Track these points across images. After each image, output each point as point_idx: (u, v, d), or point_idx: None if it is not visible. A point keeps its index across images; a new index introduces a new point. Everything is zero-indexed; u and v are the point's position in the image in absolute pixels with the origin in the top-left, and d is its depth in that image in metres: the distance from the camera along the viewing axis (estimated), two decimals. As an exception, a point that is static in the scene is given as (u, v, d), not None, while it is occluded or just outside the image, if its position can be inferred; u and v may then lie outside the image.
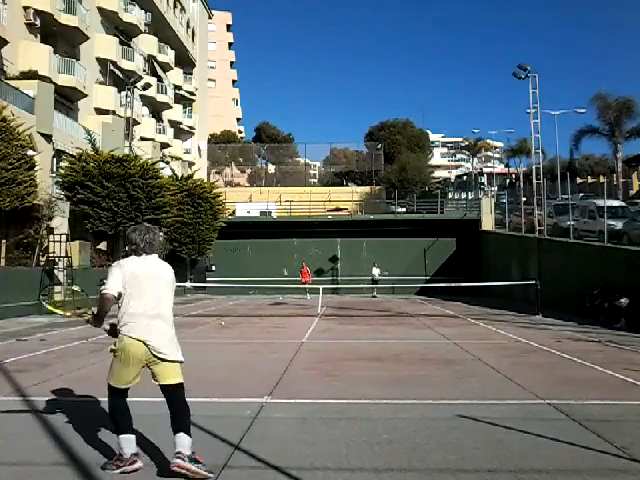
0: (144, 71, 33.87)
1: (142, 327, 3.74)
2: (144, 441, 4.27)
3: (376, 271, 29.85)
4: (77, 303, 5.03)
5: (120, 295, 3.79)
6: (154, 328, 3.76)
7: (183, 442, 3.65)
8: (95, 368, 7.74)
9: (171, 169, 31.21)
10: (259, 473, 3.75)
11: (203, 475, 3.57)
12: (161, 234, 26.40)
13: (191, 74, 44.05)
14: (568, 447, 4.24)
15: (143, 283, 3.85)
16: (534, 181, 25.05)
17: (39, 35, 25.11)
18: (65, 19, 25.89)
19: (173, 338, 3.87)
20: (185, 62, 43.02)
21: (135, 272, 3.87)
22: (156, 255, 4.09)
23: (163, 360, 3.74)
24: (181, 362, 3.84)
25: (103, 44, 30.05)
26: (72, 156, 21.27)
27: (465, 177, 73.40)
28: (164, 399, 3.82)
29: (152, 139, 34.60)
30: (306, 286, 27.08)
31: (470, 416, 5.09)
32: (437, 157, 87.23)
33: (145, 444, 4.21)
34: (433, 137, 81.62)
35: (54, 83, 23.19)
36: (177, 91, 41.23)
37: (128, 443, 3.71)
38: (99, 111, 28.89)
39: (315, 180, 67.38)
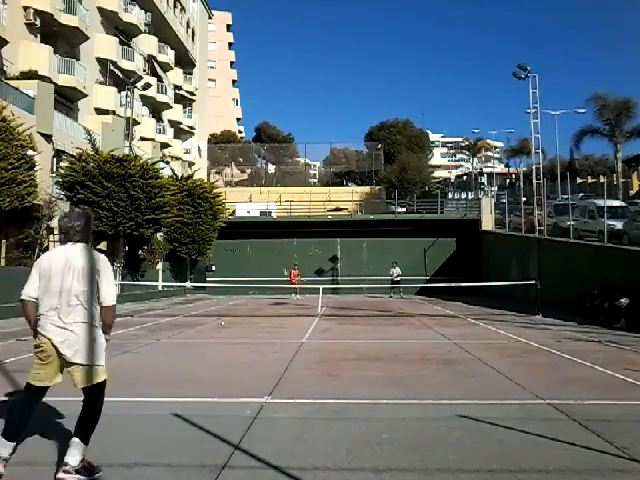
0: (144, 71, 33.87)
1: (50, 325, 3.57)
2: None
3: (395, 271, 28.77)
4: None
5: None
6: (60, 327, 3.56)
7: (73, 449, 3.56)
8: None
9: (171, 169, 31.21)
10: (259, 473, 3.75)
11: None
12: (161, 234, 26.41)
13: (191, 74, 44.06)
14: (568, 447, 4.24)
15: (52, 275, 3.61)
16: (534, 181, 25.03)
17: (39, 35, 25.11)
18: (65, 19, 25.91)
19: (87, 340, 3.57)
20: (185, 62, 43.02)
21: (48, 265, 3.66)
22: (84, 244, 3.75)
23: (71, 363, 3.59)
24: (89, 365, 3.59)
25: (103, 44, 30.07)
26: (72, 156, 21.27)
27: (465, 177, 73.43)
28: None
29: (152, 139, 34.61)
30: (295, 286, 27.66)
31: (470, 416, 5.09)
32: (437, 157, 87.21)
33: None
34: (433, 137, 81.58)
35: (54, 83, 23.21)
36: (177, 91, 41.25)
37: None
38: (99, 111, 28.90)
39: (315, 180, 67.36)
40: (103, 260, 3.74)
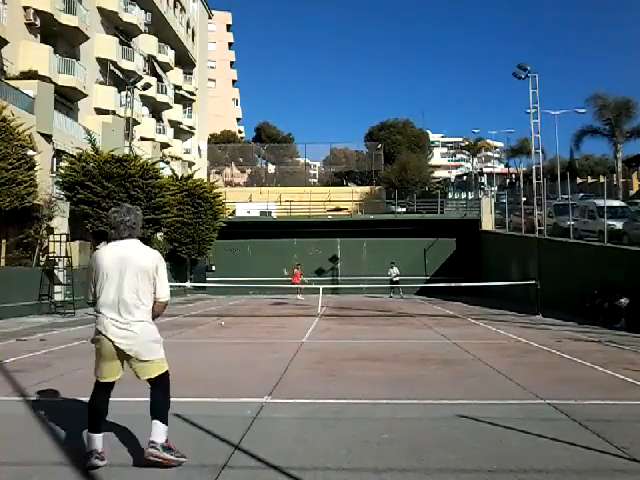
0: (144, 71, 33.87)
1: (108, 323, 3.67)
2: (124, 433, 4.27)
3: (394, 271, 28.82)
4: None
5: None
6: (119, 323, 3.66)
7: (157, 430, 3.69)
8: (95, 368, 7.74)
9: (171, 169, 31.21)
10: (259, 473, 3.75)
11: (176, 461, 3.69)
12: (161, 234, 26.41)
13: (191, 74, 44.06)
14: (568, 447, 4.24)
15: (108, 272, 3.69)
16: (534, 181, 25.04)
17: (39, 35, 25.10)
18: (65, 19, 25.89)
19: (146, 337, 3.71)
20: (185, 62, 43.03)
21: (102, 262, 3.74)
22: (135, 240, 3.84)
23: (134, 359, 3.72)
24: (151, 361, 3.74)
25: (103, 44, 30.06)
26: (72, 156, 21.26)
27: (465, 177, 73.42)
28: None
29: (152, 139, 34.60)
30: (299, 286, 27.32)
31: (470, 416, 5.09)
32: (437, 157, 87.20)
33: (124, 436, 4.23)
34: (433, 137, 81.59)
35: (54, 83, 23.19)
36: (177, 91, 41.24)
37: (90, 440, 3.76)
38: (99, 111, 28.89)
39: (315, 180, 67.36)
40: (159, 256, 3.84)
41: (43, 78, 22.52)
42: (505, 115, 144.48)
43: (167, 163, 33.43)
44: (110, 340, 3.67)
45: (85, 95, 27.27)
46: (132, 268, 3.69)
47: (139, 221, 3.91)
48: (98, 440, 3.73)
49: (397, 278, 28.62)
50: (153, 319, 3.83)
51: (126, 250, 3.76)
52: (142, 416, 3.98)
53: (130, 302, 3.68)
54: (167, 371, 3.87)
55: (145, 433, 3.83)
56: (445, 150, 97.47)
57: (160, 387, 3.82)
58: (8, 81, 19.92)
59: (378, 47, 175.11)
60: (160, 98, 37.20)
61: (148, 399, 3.84)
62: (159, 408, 3.77)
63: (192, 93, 43.83)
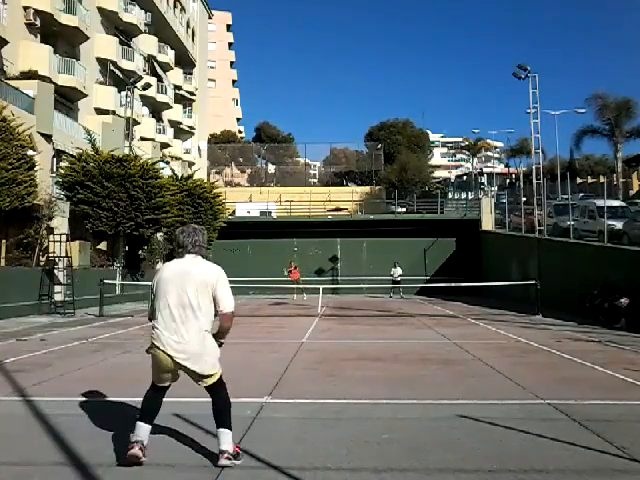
0: (144, 71, 33.87)
1: (165, 335, 3.75)
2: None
3: (396, 271, 28.69)
4: None
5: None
6: (176, 337, 3.74)
7: (223, 439, 3.82)
8: (95, 368, 7.75)
9: (171, 169, 31.19)
10: (259, 473, 3.75)
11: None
12: (161, 234, 26.40)
13: (191, 74, 44.05)
14: (568, 447, 4.24)
15: (168, 286, 3.80)
16: (534, 181, 25.04)
17: (39, 35, 25.10)
18: (65, 19, 25.89)
19: (202, 350, 3.78)
20: (185, 62, 43.02)
21: (163, 276, 3.87)
22: (199, 257, 3.96)
23: (191, 371, 3.83)
24: (208, 375, 3.85)
25: (103, 44, 30.06)
26: (72, 156, 21.26)
27: (465, 177, 73.39)
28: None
29: (152, 139, 34.59)
30: (300, 286, 26.92)
31: (470, 416, 5.09)
32: (437, 157, 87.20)
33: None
34: (433, 137, 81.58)
35: (54, 83, 23.18)
36: (177, 91, 41.23)
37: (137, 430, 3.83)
38: (99, 111, 28.89)
39: (315, 180, 67.37)
40: (219, 270, 3.95)
41: (43, 78, 22.51)
42: (505, 115, 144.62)
43: (167, 163, 33.42)
44: (167, 354, 3.75)
45: (85, 95, 27.27)
46: (192, 283, 3.78)
47: (205, 240, 4.08)
48: (144, 430, 3.81)
49: (399, 278, 28.63)
50: (222, 335, 3.93)
51: (187, 265, 3.89)
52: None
53: (188, 314, 3.76)
54: (221, 376, 3.98)
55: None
56: (445, 150, 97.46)
57: (218, 392, 3.97)
58: (8, 81, 19.92)
59: (378, 47, 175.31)
60: (160, 98, 37.19)
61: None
62: (223, 415, 3.90)
63: (192, 93, 43.82)
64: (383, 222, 33.25)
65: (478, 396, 6.00)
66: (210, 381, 3.89)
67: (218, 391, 3.95)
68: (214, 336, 3.90)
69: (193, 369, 3.79)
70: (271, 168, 62.71)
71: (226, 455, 3.77)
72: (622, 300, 13.63)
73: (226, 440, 3.82)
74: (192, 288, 3.76)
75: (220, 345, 3.96)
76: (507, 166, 71.76)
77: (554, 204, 24.61)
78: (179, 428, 4.73)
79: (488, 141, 68.52)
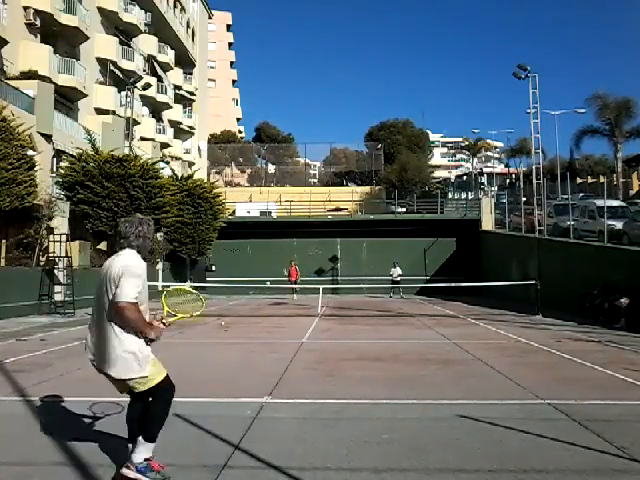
0: (144, 71, 33.86)
1: (87, 340, 3.62)
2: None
3: (396, 271, 28.70)
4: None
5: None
6: (94, 339, 3.56)
7: (135, 448, 3.54)
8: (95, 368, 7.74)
9: (171, 169, 31.17)
10: (259, 473, 3.75)
11: None
12: (161, 234, 26.39)
13: (191, 74, 44.05)
14: (568, 447, 4.24)
15: (96, 287, 3.61)
16: (534, 181, 25.03)
17: (39, 35, 25.09)
18: (65, 19, 25.89)
19: (119, 354, 3.43)
20: (185, 62, 43.02)
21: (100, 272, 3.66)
22: (133, 250, 3.63)
23: (114, 379, 3.54)
24: (128, 380, 3.48)
25: (103, 44, 30.05)
26: (72, 156, 21.25)
27: (465, 177, 73.37)
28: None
29: (152, 139, 34.59)
30: (295, 286, 26.83)
31: (470, 416, 5.09)
32: (437, 157, 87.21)
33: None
34: (433, 137, 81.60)
35: (54, 83, 23.18)
36: (177, 91, 41.23)
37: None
38: (99, 111, 28.88)
39: (315, 180, 67.37)
40: (130, 262, 3.55)
41: (43, 78, 22.51)
42: (505, 115, 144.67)
43: (167, 163, 33.41)
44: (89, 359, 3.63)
45: (85, 95, 27.26)
46: (107, 279, 3.53)
47: (150, 232, 3.75)
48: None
49: (399, 278, 28.62)
50: (143, 333, 3.53)
51: (111, 261, 3.63)
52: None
53: (102, 312, 3.54)
54: (163, 380, 3.60)
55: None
56: (445, 150, 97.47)
57: (152, 401, 3.62)
58: (8, 81, 19.92)
59: (378, 47, 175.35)
60: (160, 98, 37.19)
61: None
62: (147, 423, 3.57)
63: (192, 93, 43.82)
64: (383, 222, 33.27)
65: (478, 396, 6.00)
66: (140, 387, 3.52)
67: (153, 399, 3.57)
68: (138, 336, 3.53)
69: (109, 372, 3.49)
70: (271, 168, 62.70)
71: (128, 464, 3.49)
72: (622, 300, 13.63)
73: (141, 450, 3.51)
74: (108, 285, 3.49)
75: (148, 343, 3.57)
76: (507, 166, 71.74)
77: (554, 204, 24.61)
78: (179, 428, 4.72)
79: (488, 141, 68.52)
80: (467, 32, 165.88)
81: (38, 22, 24.45)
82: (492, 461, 3.95)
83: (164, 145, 37.23)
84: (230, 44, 74.73)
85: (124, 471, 3.49)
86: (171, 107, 39.35)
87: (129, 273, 3.45)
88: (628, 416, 5.27)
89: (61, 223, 19.08)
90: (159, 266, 27.57)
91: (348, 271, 32.52)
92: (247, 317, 17.76)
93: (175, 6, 40.85)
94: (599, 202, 19.70)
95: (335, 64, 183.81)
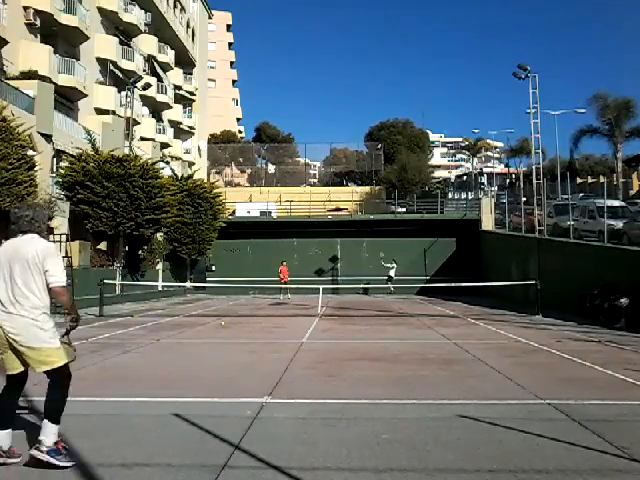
0: (144, 71, 33.87)
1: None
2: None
3: (390, 265, 29.40)
4: None
5: None
6: (9, 315, 3.72)
7: (45, 430, 3.72)
8: (95, 368, 7.75)
9: (171, 169, 31.20)
10: (259, 473, 3.75)
11: (61, 466, 3.68)
12: (161, 234, 26.40)
13: (191, 74, 44.06)
14: (568, 447, 4.24)
15: (2, 265, 3.78)
16: (534, 181, 25.04)
17: (39, 35, 25.10)
18: (65, 19, 25.89)
19: (33, 324, 3.73)
20: (185, 62, 43.02)
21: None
22: (33, 235, 3.87)
23: (21, 346, 3.72)
24: (38, 349, 3.72)
25: (103, 44, 30.05)
26: (72, 156, 21.27)
27: (465, 177, 73.42)
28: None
29: (152, 139, 34.60)
30: (287, 286, 26.93)
31: (470, 416, 5.09)
32: (437, 157, 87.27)
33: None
34: (433, 137, 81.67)
35: (54, 83, 23.19)
36: (177, 91, 41.24)
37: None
38: (99, 111, 28.89)
39: (315, 180, 67.38)
40: (49, 246, 3.86)
41: (43, 78, 22.51)
42: (505, 115, 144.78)
43: (167, 163, 33.43)
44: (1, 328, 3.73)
45: (85, 95, 27.26)
46: (18, 261, 3.75)
47: (40, 217, 3.95)
48: (3, 437, 3.76)
49: (393, 273, 29.20)
50: (69, 311, 3.95)
51: (18, 244, 3.84)
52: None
53: (18, 293, 3.74)
54: (65, 366, 3.82)
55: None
56: (445, 150, 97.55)
57: (54, 383, 3.81)
58: (8, 81, 19.93)
59: (378, 47, 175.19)
60: (160, 98, 37.20)
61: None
62: (51, 406, 3.76)
63: (192, 93, 43.82)
64: (383, 222, 33.27)
65: (478, 396, 6.00)
66: (52, 363, 3.75)
67: (58, 382, 3.81)
68: (66, 315, 3.95)
69: (24, 344, 3.70)
70: (271, 168, 62.70)
71: (43, 448, 3.66)
72: (622, 300, 13.63)
73: (49, 432, 3.71)
74: (19, 267, 3.73)
75: (75, 322, 3.97)
76: (507, 166, 71.77)
77: (554, 204, 24.60)
78: (179, 428, 4.73)
79: (488, 141, 68.53)
80: (467, 32, 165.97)
81: (38, 22, 24.45)
82: (492, 461, 3.95)
83: (164, 145, 37.24)
84: (230, 44, 74.73)
85: (34, 452, 3.67)
86: (171, 107, 39.37)
87: (53, 255, 3.82)
88: (628, 416, 5.27)
89: (61, 223, 19.09)
90: (159, 266, 27.58)
91: (348, 271, 32.52)
92: (247, 317, 17.76)
93: (175, 6, 40.85)
94: (599, 202, 19.70)
95: (335, 64, 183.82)
